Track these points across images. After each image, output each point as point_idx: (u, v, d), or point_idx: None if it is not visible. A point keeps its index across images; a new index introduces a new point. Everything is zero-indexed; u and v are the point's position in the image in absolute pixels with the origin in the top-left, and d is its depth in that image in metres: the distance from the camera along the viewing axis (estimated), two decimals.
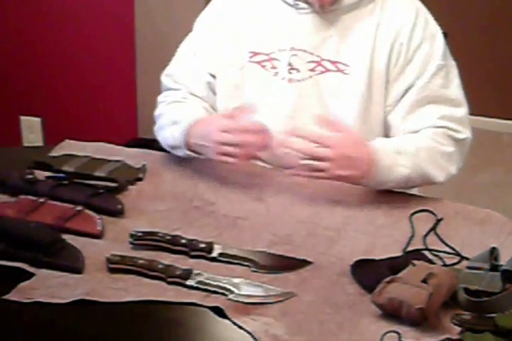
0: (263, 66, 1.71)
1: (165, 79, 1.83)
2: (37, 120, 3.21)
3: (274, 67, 1.70)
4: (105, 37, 2.98)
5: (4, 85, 3.17)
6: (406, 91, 1.67)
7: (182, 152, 1.68)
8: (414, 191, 1.76)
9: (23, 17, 3.04)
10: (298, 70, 1.69)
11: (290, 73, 1.69)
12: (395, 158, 1.57)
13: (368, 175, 1.55)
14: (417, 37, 1.67)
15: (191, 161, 1.75)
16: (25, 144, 3.21)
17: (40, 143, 3.21)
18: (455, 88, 1.69)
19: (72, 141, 1.83)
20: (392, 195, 1.63)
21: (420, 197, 1.66)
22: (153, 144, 2.93)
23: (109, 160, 1.71)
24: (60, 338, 1.17)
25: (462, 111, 1.69)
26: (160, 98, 1.83)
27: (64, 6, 2.99)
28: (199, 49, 1.78)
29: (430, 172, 1.62)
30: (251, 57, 1.72)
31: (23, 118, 3.22)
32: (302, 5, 1.68)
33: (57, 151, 1.76)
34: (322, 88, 1.68)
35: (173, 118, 1.71)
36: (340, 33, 1.67)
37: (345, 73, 1.67)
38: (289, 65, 1.69)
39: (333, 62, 1.67)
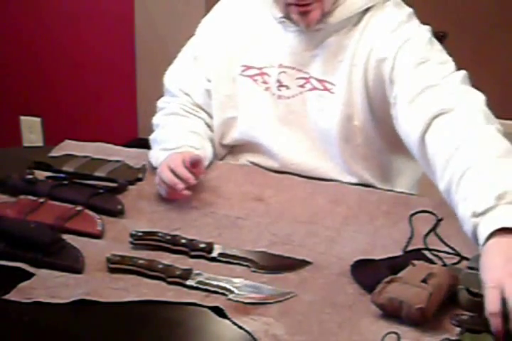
0: (255, 80, 1.72)
1: (167, 82, 1.83)
2: (37, 120, 3.21)
3: (265, 82, 1.71)
4: (105, 37, 2.98)
5: (4, 85, 3.17)
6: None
7: None
8: (414, 191, 1.77)
9: (23, 17, 3.04)
10: (287, 87, 1.69)
11: (279, 90, 1.69)
12: (502, 202, 1.22)
13: None
14: (392, 47, 1.59)
15: None
16: (25, 144, 3.21)
17: (40, 143, 3.21)
18: (448, 73, 1.56)
19: (72, 141, 1.83)
20: (392, 195, 1.63)
21: (420, 197, 1.66)
22: None
23: (109, 160, 1.71)
24: (60, 338, 1.16)
25: (460, 73, 1.55)
26: (160, 103, 1.83)
27: (64, 6, 2.99)
28: (199, 54, 1.78)
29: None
30: (243, 71, 1.72)
31: (23, 118, 3.22)
32: (288, 23, 1.66)
33: (57, 151, 1.76)
34: (309, 104, 1.68)
35: (164, 141, 1.69)
36: (325, 52, 1.65)
37: (331, 92, 1.65)
38: (278, 81, 1.69)
39: (320, 81, 1.67)
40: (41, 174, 1.61)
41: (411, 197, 1.65)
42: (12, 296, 1.21)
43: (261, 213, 1.54)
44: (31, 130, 3.23)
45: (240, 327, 1.17)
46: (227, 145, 1.79)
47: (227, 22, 1.77)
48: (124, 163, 1.71)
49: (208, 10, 1.85)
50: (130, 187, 1.61)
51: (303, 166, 1.71)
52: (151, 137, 1.77)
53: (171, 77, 1.82)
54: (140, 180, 1.65)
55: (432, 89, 1.52)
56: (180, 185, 1.51)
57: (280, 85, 1.69)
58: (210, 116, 1.78)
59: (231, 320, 1.19)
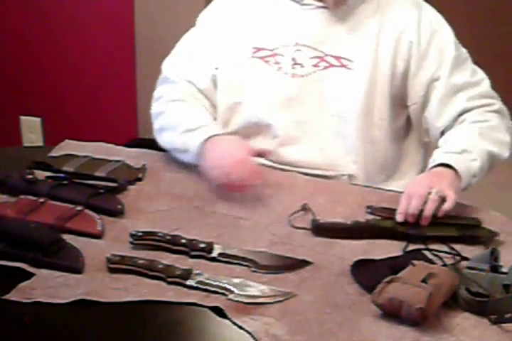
0: (266, 61, 1.72)
1: (166, 69, 1.81)
2: (37, 120, 3.20)
3: (277, 63, 1.71)
4: (105, 37, 2.98)
5: (4, 85, 3.17)
6: (429, 85, 1.69)
7: (188, 158, 1.67)
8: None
9: (23, 17, 3.04)
10: (301, 65, 1.69)
11: (293, 68, 1.70)
12: (465, 157, 1.58)
13: (458, 189, 1.54)
14: (425, 32, 1.70)
15: None
16: (25, 144, 3.21)
17: (40, 143, 3.21)
18: (472, 71, 1.73)
19: (72, 141, 1.83)
20: (391, 195, 1.63)
21: None
22: (153, 144, 2.93)
23: (109, 160, 1.71)
24: (60, 338, 1.16)
25: (484, 86, 1.73)
26: (157, 93, 1.82)
27: (64, 6, 2.99)
28: (204, 42, 1.78)
29: (494, 151, 1.64)
30: (254, 52, 1.73)
31: (23, 118, 3.22)
32: (308, 1, 1.69)
33: (57, 151, 1.76)
34: (325, 83, 1.69)
35: (184, 123, 1.69)
36: (344, 28, 1.69)
37: (348, 68, 1.68)
38: (293, 60, 1.70)
39: (336, 58, 1.69)
40: (41, 174, 1.61)
41: None
42: (12, 296, 1.21)
43: (261, 213, 1.54)
44: (31, 130, 3.22)
45: (240, 327, 1.17)
46: (230, 132, 1.77)
47: (232, 9, 1.77)
48: (124, 163, 1.71)
49: None
50: (130, 187, 1.61)
51: (315, 145, 1.72)
52: (157, 126, 1.76)
53: (172, 65, 1.81)
54: (140, 180, 1.65)
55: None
56: (248, 181, 1.54)
57: (295, 63, 1.70)
58: (212, 104, 1.78)
59: (231, 320, 1.19)
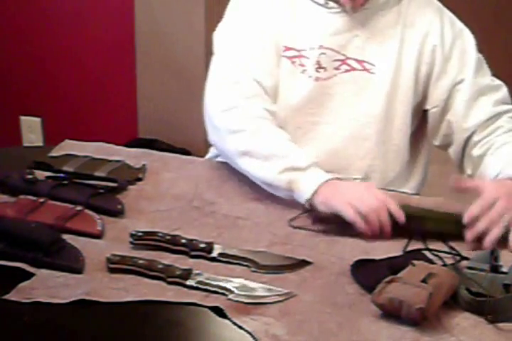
0: (293, 62, 1.70)
1: (227, 66, 1.69)
2: (37, 120, 3.21)
3: (302, 65, 1.70)
4: (105, 37, 2.98)
5: (4, 85, 3.17)
6: (453, 88, 1.69)
7: (285, 194, 1.56)
8: (414, 191, 1.77)
9: (23, 17, 3.04)
10: (325, 69, 1.69)
11: (318, 72, 1.69)
12: None
13: None
14: (448, 36, 1.71)
15: (191, 161, 1.76)
16: (25, 144, 3.21)
17: (40, 143, 3.21)
18: (490, 74, 1.74)
19: (72, 141, 1.83)
20: (392, 195, 1.62)
21: (420, 196, 1.66)
22: (153, 144, 2.94)
23: (109, 160, 1.71)
24: (60, 338, 1.16)
25: (504, 90, 1.73)
26: (222, 95, 1.67)
27: (64, 5, 2.99)
28: (256, 33, 1.70)
29: None
30: (284, 51, 1.71)
31: (23, 118, 3.22)
32: (332, 4, 1.68)
33: (57, 151, 1.76)
34: (346, 86, 1.69)
35: (283, 157, 1.56)
36: (366, 32, 1.69)
37: (371, 72, 1.68)
38: (317, 63, 1.69)
39: (359, 61, 1.69)
40: (41, 174, 1.61)
41: (412, 197, 1.65)
42: (12, 296, 1.21)
43: (261, 213, 1.54)
44: (31, 130, 3.23)
45: (240, 327, 1.17)
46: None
47: (264, 8, 1.72)
48: (124, 162, 1.71)
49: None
50: (130, 187, 1.61)
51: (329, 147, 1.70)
52: (240, 147, 1.59)
53: (233, 62, 1.70)
54: (140, 180, 1.65)
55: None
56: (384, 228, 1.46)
57: (319, 67, 1.69)
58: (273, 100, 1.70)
59: (231, 320, 1.19)
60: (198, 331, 1.21)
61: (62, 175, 1.62)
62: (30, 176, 1.55)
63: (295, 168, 1.54)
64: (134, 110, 3.03)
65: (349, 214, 1.45)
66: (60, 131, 2.90)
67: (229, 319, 1.19)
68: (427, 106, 1.74)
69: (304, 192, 1.51)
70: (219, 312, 1.21)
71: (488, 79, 1.73)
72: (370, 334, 1.17)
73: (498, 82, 1.74)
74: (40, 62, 3.10)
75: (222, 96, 1.68)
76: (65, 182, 1.56)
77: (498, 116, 1.68)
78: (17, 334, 1.16)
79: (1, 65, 3.15)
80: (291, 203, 1.55)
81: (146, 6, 2.87)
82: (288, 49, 1.71)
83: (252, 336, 1.15)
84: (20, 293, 1.22)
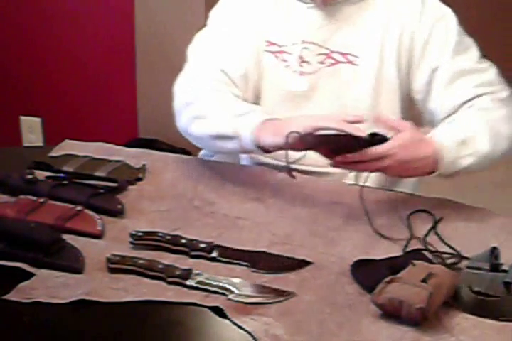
0: (276, 57, 1.72)
1: (193, 56, 1.75)
2: (37, 120, 3.21)
3: (284, 60, 1.72)
4: (105, 37, 2.98)
5: (4, 85, 3.17)
6: (432, 73, 1.69)
7: (233, 144, 1.58)
8: (413, 191, 1.77)
9: (23, 17, 3.04)
10: (308, 63, 1.70)
11: (301, 66, 1.70)
12: (459, 150, 1.54)
13: (434, 171, 1.53)
14: (427, 21, 1.69)
15: (191, 161, 1.76)
16: (25, 144, 3.21)
17: (40, 143, 3.21)
18: (478, 57, 1.71)
19: (72, 141, 1.83)
20: (391, 195, 1.63)
21: (420, 196, 1.66)
22: (153, 144, 2.94)
23: (109, 160, 1.71)
24: (60, 338, 1.16)
25: (491, 73, 1.71)
26: (182, 83, 1.71)
27: (64, 5, 2.99)
28: (227, 36, 1.74)
29: (492, 150, 1.60)
30: (267, 46, 1.73)
31: (23, 118, 3.22)
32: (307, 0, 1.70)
33: (57, 151, 1.76)
34: (332, 80, 1.70)
35: (227, 110, 1.59)
36: (347, 24, 1.70)
37: (354, 64, 1.69)
38: (300, 58, 1.70)
39: (343, 54, 1.70)
40: (41, 174, 1.61)
41: (411, 197, 1.65)
42: (12, 296, 1.21)
43: (261, 213, 1.54)
44: (31, 130, 3.23)
45: (240, 327, 1.17)
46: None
47: (243, 4, 1.76)
48: (124, 162, 1.71)
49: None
50: (130, 187, 1.61)
51: None
52: (189, 115, 1.64)
53: (199, 52, 1.75)
54: (140, 180, 1.65)
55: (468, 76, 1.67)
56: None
57: (302, 61, 1.70)
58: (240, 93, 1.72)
59: (231, 320, 1.19)
60: (198, 331, 1.21)
61: (62, 175, 1.62)
62: (30, 176, 1.55)
63: (237, 115, 1.56)
64: (134, 110, 3.03)
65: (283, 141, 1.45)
66: (60, 131, 2.90)
67: (229, 319, 1.19)
68: (414, 94, 1.73)
69: (246, 135, 1.53)
70: (219, 312, 1.21)
71: (472, 61, 1.70)
72: (370, 334, 1.17)
73: (486, 64, 1.71)
74: (40, 62, 3.10)
75: (181, 80, 1.71)
76: (65, 182, 1.56)
77: (478, 97, 1.66)
78: (17, 334, 1.16)
79: (1, 65, 3.15)
80: (291, 203, 1.55)
81: (146, 6, 2.87)
82: (271, 44, 1.72)
83: (252, 336, 1.15)
84: (20, 293, 1.22)
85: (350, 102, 1.70)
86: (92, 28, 2.98)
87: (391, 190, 1.67)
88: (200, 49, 1.77)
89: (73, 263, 1.30)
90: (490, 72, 1.71)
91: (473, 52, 1.73)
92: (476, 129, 1.59)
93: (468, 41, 1.73)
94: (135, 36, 2.92)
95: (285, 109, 1.72)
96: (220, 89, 1.67)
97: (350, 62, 1.69)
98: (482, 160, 1.59)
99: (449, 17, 1.72)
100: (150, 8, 2.87)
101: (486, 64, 1.72)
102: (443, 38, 1.70)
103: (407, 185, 1.76)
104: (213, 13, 1.81)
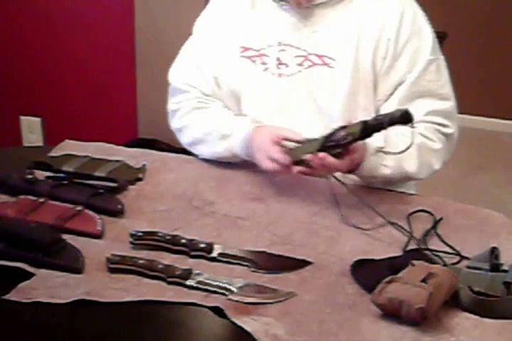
0: (253, 61, 1.72)
1: (173, 79, 1.81)
2: (37, 120, 3.21)
3: (264, 63, 1.72)
4: (105, 37, 2.98)
5: (4, 85, 3.17)
6: (397, 85, 1.68)
7: (238, 159, 1.71)
8: (413, 191, 1.77)
9: (24, 18, 3.04)
10: (286, 65, 1.70)
11: (279, 68, 1.71)
12: (381, 158, 1.60)
13: (354, 170, 1.60)
14: (404, 32, 1.67)
15: (191, 161, 1.76)
16: (25, 144, 3.21)
17: (40, 143, 3.21)
18: (444, 82, 1.70)
19: (72, 141, 1.83)
20: (391, 195, 1.63)
21: (420, 196, 1.67)
22: (153, 144, 2.94)
23: (109, 160, 1.71)
24: (60, 338, 1.17)
25: (449, 104, 1.70)
26: (172, 106, 1.82)
27: (64, 6, 2.99)
28: (202, 48, 1.79)
29: (412, 171, 1.65)
30: (242, 51, 1.73)
31: (23, 118, 3.22)
32: (283, 2, 1.69)
33: (57, 151, 1.76)
34: (310, 82, 1.69)
35: (215, 132, 1.71)
36: (324, 27, 1.69)
37: (330, 67, 1.68)
38: (277, 60, 1.70)
39: (319, 56, 1.69)
40: (41, 174, 1.61)
41: (411, 197, 1.65)
42: (12, 296, 1.21)
43: (261, 213, 1.54)
44: (31, 130, 3.23)
45: (240, 327, 1.17)
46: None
47: (223, 12, 1.78)
48: (124, 162, 1.71)
49: None
50: (130, 187, 1.61)
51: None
52: (187, 140, 1.79)
53: (178, 75, 1.81)
54: (140, 180, 1.65)
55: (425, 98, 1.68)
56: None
57: (280, 63, 1.70)
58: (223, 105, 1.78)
59: (231, 320, 1.19)
60: (198, 331, 1.21)
61: (62, 175, 1.62)
62: (30, 176, 1.55)
63: (221, 137, 1.71)
64: (134, 110, 3.03)
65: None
66: (60, 131, 2.90)
67: (229, 319, 1.19)
68: (376, 97, 1.71)
69: (241, 155, 1.69)
70: (219, 312, 1.21)
71: (436, 84, 1.68)
72: (370, 334, 1.17)
73: (448, 91, 1.70)
74: (40, 62, 3.10)
75: (170, 103, 1.83)
76: (65, 182, 1.57)
77: (425, 123, 1.66)
78: (17, 334, 1.16)
79: (1, 65, 3.15)
80: (291, 203, 1.55)
81: (146, 7, 2.87)
82: (246, 49, 1.73)
83: (252, 336, 1.15)
84: (20, 293, 1.22)
85: (326, 104, 1.69)
86: (92, 29, 2.98)
87: (391, 190, 1.67)
88: (179, 65, 1.82)
89: (73, 263, 1.30)
90: (449, 102, 1.70)
91: (443, 73, 1.71)
92: (410, 151, 1.56)
93: (441, 60, 1.71)
94: (135, 36, 2.92)
95: (267, 112, 1.72)
96: (201, 106, 1.77)
97: (326, 64, 1.68)
98: (399, 174, 1.64)
99: (426, 33, 1.69)
100: (150, 9, 2.87)
101: (450, 92, 1.71)
102: (416, 53, 1.67)
103: (407, 185, 1.76)
104: (195, 24, 1.83)
